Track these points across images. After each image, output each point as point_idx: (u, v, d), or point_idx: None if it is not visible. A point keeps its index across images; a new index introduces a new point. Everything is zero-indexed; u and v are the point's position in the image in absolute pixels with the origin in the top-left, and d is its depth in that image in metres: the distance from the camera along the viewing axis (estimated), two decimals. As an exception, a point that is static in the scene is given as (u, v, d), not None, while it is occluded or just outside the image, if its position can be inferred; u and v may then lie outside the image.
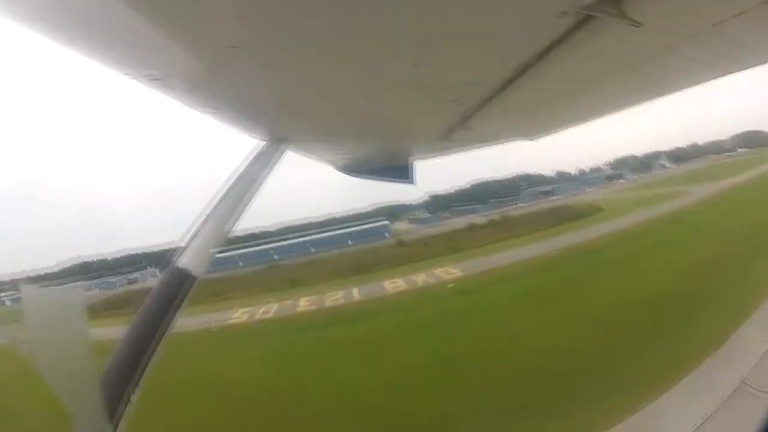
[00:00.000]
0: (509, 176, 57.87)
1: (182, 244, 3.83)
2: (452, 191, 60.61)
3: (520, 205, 53.13)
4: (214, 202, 3.92)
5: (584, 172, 58.62)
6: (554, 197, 53.28)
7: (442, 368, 19.38)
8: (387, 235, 53.01)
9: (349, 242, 51.59)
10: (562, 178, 58.41)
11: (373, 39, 2.28)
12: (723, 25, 2.46)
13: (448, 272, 35.62)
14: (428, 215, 58.60)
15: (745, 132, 55.02)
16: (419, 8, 1.99)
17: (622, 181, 55.61)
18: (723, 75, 3.77)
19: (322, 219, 59.11)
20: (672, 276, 24.09)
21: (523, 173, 58.21)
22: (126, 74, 2.76)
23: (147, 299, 3.71)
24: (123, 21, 2.01)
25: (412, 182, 5.38)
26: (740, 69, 3.69)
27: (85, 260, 51.07)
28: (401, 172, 5.35)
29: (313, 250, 51.13)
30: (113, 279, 48.51)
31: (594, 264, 29.87)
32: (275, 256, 50.84)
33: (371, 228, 53.76)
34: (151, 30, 2.01)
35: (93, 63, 2.64)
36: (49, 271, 46.31)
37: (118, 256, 50.81)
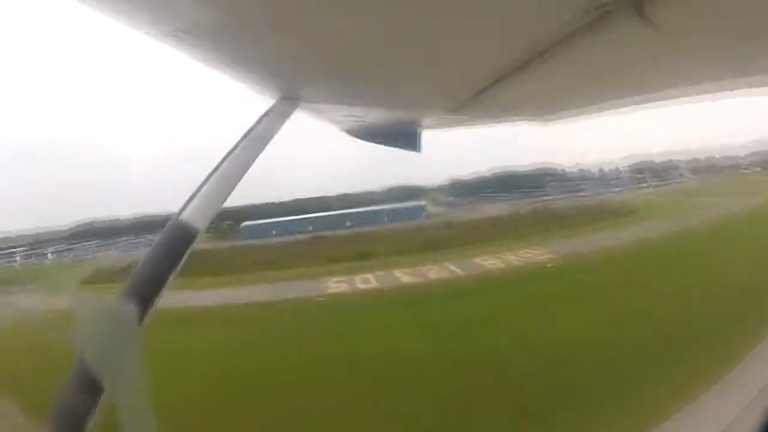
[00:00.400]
0: (532, 168, 55.90)
1: (186, 198, 3.77)
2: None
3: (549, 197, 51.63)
4: (221, 157, 3.85)
5: (605, 172, 56.61)
6: (579, 194, 52.06)
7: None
8: (424, 215, 50.64)
9: (387, 219, 49.15)
10: (584, 176, 56.55)
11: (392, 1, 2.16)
12: (740, 40, 2.47)
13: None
14: (454, 199, 56.97)
15: (761, 151, 52.53)
16: None
17: (645, 185, 53.87)
18: (735, 89, 3.73)
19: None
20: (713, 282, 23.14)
21: (546, 166, 56.17)
22: (138, 29, 2.64)
23: (148, 253, 3.65)
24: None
25: (418, 150, 5.24)
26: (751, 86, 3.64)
27: (97, 222, 47.75)
28: (409, 140, 5.21)
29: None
30: (127, 241, 45.57)
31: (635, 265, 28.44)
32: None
33: (410, 207, 51.63)
34: None
35: (106, 17, 2.51)
36: (60, 230, 43.92)
37: (133, 219, 47.00)
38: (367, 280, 31.63)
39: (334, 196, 53.63)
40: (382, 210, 51.07)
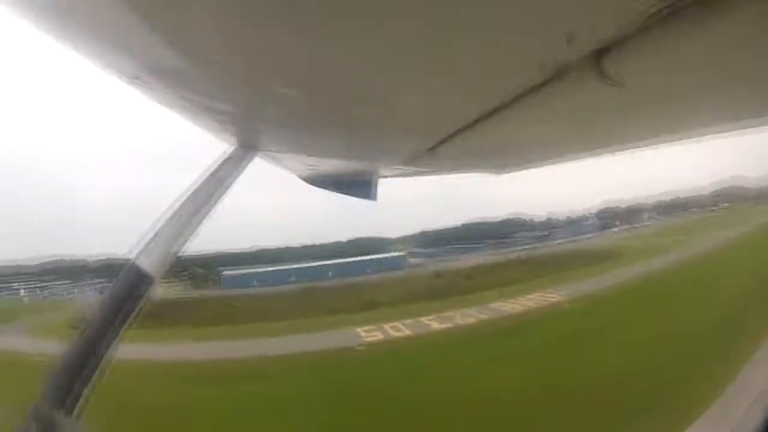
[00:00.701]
0: (502, 218, 55.82)
1: (142, 244, 3.62)
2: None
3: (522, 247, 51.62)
4: (179, 204, 3.73)
5: (573, 219, 57.03)
6: (550, 242, 52.29)
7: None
8: (405, 266, 50.15)
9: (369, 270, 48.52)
10: (552, 224, 56.83)
11: (344, 58, 2.11)
12: (699, 93, 2.46)
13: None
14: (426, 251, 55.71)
15: (725, 187, 54.28)
16: (396, 39, 1.84)
17: (615, 229, 54.59)
18: (693, 137, 3.71)
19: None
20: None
21: (515, 216, 56.23)
22: (100, 67, 2.61)
23: (104, 298, 3.50)
24: (103, 13, 1.88)
25: (373, 199, 5.19)
26: (713, 134, 3.61)
27: (63, 259, 45.85)
28: (365, 189, 5.14)
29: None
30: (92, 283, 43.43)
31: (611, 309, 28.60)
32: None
33: (392, 258, 51.20)
34: (132, 25, 1.85)
35: (73, 54, 2.46)
36: (26, 266, 42.75)
37: (99, 260, 44.93)
38: (395, 328, 30.60)
39: (301, 247, 53.11)
40: (364, 261, 50.36)
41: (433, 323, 30.66)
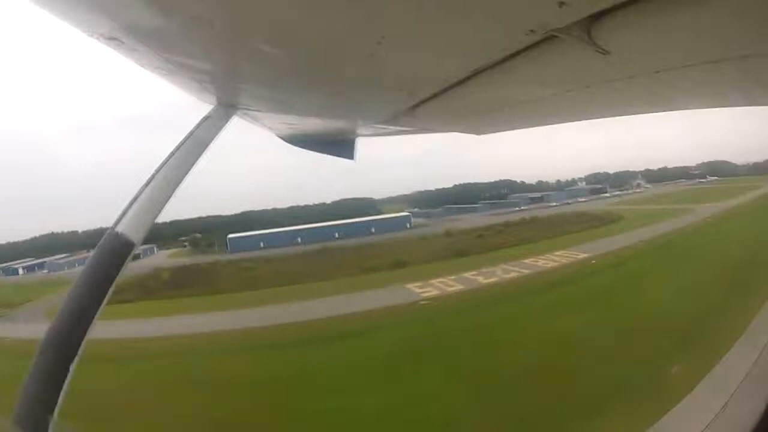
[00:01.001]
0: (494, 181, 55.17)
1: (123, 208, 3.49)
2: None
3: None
4: (158, 166, 3.60)
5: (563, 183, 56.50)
6: (545, 204, 52.05)
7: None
8: (409, 226, 49.84)
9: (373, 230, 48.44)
10: (544, 187, 56.35)
11: (326, 14, 1.98)
12: (683, 68, 2.43)
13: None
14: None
15: (712, 161, 54.02)
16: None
17: (606, 195, 54.44)
18: (677, 110, 3.79)
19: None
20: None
21: (506, 179, 55.58)
22: (78, 28, 2.48)
23: (86, 267, 3.38)
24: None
25: (352, 158, 5.03)
26: (694, 108, 3.73)
27: (54, 233, 45.19)
28: (344, 148, 4.99)
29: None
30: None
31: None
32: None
33: (397, 218, 50.90)
34: None
35: (56, 19, 2.37)
36: (17, 242, 42.29)
37: (89, 231, 43.86)
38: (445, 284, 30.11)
39: (288, 209, 52.75)
40: (368, 221, 50.26)
41: (479, 278, 30.62)
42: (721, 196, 43.96)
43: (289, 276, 34.91)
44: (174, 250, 48.35)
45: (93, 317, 3.17)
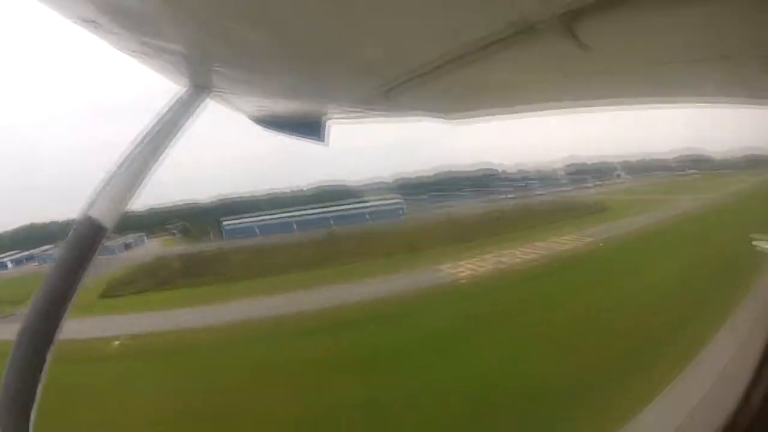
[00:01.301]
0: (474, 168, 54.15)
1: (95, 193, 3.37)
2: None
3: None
4: (130, 150, 3.48)
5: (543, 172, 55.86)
6: (529, 192, 51.66)
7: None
8: (402, 213, 48.64)
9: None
10: (525, 176, 55.46)
11: None
12: (664, 66, 2.41)
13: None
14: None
15: (690, 154, 54.14)
16: None
17: (588, 185, 54.25)
18: (654, 104, 3.71)
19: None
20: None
21: (486, 166, 54.43)
22: (54, 9, 2.45)
23: (59, 254, 3.31)
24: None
25: (323, 141, 4.91)
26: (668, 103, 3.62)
27: (34, 224, 42.96)
28: (315, 130, 4.86)
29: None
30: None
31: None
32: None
33: (390, 205, 49.38)
34: None
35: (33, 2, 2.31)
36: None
37: (68, 220, 42.93)
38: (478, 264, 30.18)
39: (265, 195, 50.00)
40: (363, 207, 48.79)
41: (503, 259, 30.77)
42: (702, 189, 43.91)
43: (295, 262, 34.58)
44: (165, 238, 47.54)
45: (67, 305, 3.09)
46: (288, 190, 52.24)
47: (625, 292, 22.83)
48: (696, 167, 52.28)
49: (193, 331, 23.18)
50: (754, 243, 19.61)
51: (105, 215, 3.27)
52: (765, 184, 40.17)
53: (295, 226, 46.54)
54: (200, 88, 3.61)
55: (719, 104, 3.34)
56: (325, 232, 42.75)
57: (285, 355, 19.81)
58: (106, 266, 33.55)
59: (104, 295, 29.48)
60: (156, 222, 46.68)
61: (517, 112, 4.45)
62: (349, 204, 49.52)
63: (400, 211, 49.30)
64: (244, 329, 23.24)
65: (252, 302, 26.84)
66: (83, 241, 3.23)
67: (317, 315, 24.31)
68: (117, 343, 21.82)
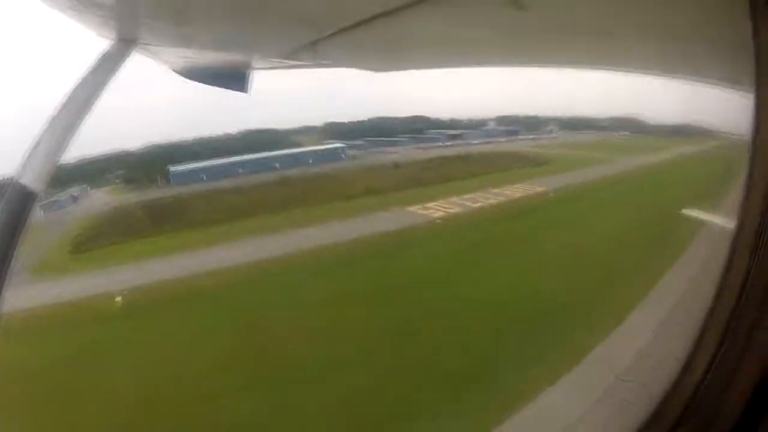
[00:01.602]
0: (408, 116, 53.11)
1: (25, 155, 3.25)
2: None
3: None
4: (57, 108, 3.36)
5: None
6: (464, 141, 51.76)
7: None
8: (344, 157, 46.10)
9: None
10: (459, 125, 55.04)
11: None
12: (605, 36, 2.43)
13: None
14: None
15: (623, 116, 55.27)
16: None
17: (520, 137, 54.69)
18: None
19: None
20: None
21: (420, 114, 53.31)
22: None
23: None
24: None
25: (246, 92, 4.86)
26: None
27: None
28: (238, 81, 4.78)
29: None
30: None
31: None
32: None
33: (331, 149, 47.57)
34: None
35: None
36: None
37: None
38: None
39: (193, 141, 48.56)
40: (305, 152, 48.35)
41: (467, 203, 29.89)
42: (635, 152, 44.53)
43: (265, 204, 32.55)
44: (109, 188, 44.53)
45: (4, 275, 3.00)
46: (218, 137, 49.38)
47: (575, 244, 22.21)
48: (629, 130, 53.21)
49: (196, 277, 21.78)
50: (684, 212, 19.79)
51: (36, 179, 3.20)
52: (699, 155, 42.05)
53: (240, 171, 44.92)
54: (127, 41, 3.49)
55: (661, 77, 3.46)
56: (277, 175, 41.66)
57: (300, 294, 18.63)
58: (61, 222, 30.41)
59: (75, 251, 26.89)
60: (91, 172, 43.46)
61: (447, 67, 4.54)
62: (290, 149, 48.12)
63: (342, 155, 48.57)
64: (248, 271, 21.70)
65: (241, 245, 24.94)
66: (16, 206, 3.15)
67: (316, 252, 22.97)
68: (119, 299, 20.42)
